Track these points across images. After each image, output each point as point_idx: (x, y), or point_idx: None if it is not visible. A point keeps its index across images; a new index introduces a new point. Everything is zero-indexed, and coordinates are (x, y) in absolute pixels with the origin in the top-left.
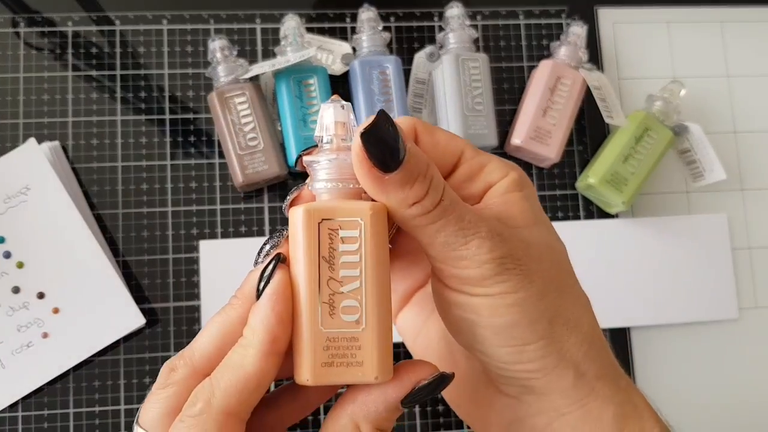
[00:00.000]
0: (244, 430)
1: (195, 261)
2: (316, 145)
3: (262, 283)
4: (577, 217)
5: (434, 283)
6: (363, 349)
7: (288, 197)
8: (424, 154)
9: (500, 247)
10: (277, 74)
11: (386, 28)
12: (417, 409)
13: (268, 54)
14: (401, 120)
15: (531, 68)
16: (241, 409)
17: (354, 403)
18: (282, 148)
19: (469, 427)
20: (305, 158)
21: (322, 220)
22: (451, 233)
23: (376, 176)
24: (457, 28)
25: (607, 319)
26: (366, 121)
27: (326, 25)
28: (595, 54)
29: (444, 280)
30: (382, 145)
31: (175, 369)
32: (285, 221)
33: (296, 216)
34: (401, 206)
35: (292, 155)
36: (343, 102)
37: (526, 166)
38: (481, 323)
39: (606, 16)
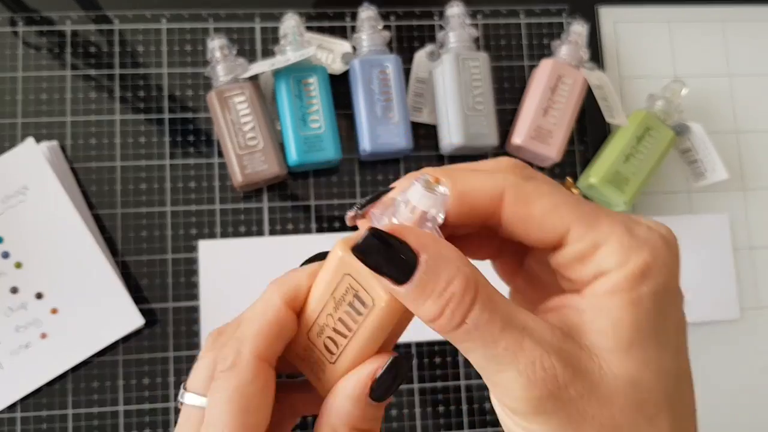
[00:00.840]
0: (274, 377)
1: (194, 261)
2: (379, 196)
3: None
4: None
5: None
6: (326, 374)
7: (362, 202)
8: (449, 264)
9: (540, 386)
10: (277, 73)
11: (386, 27)
12: (417, 409)
13: (268, 53)
14: (485, 180)
15: (532, 67)
16: (269, 353)
17: (329, 412)
18: (281, 147)
19: (470, 427)
20: (373, 211)
21: (348, 274)
22: (481, 358)
23: (390, 288)
24: (457, 27)
25: None
26: (357, 234)
27: (326, 24)
28: (596, 53)
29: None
30: (382, 259)
31: (221, 333)
32: (285, 221)
33: (335, 250)
34: (420, 317)
35: (292, 155)
36: (442, 189)
37: None
38: None
39: (607, 15)
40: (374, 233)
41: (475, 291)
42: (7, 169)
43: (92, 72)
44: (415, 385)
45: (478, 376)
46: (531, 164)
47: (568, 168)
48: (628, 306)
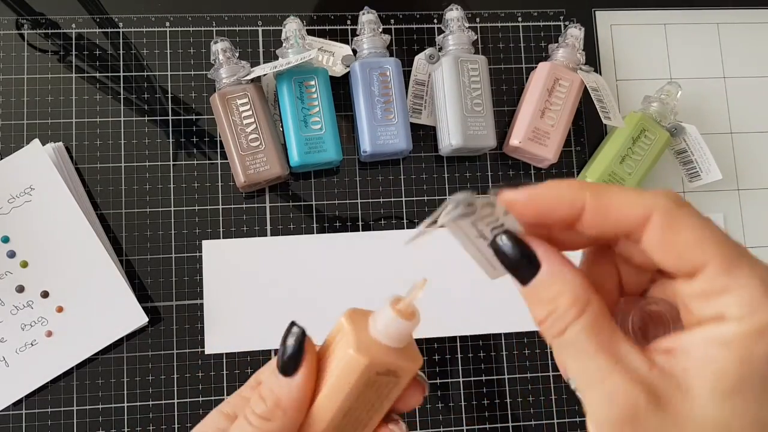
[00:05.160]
0: None
1: (197, 260)
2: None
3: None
4: None
5: None
6: None
7: (425, 223)
8: (563, 279)
9: (619, 410)
10: (279, 76)
11: (386, 30)
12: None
13: (270, 56)
14: (636, 197)
15: (529, 70)
16: None
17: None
18: (283, 148)
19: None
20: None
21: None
22: (576, 369)
23: (517, 286)
24: (456, 30)
25: None
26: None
27: (327, 27)
28: (592, 56)
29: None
30: (510, 260)
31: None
32: (286, 221)
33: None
34: (532, 317)
35: (294, 156)
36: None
37: (524, 167)
38: None
39: (603, 18)
40: (511, 236)
41: (581, 310)
42: (14, 169)
43: (97, 74)
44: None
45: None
46: (529, 165)
47: (566, 169)
48: (736, 360)
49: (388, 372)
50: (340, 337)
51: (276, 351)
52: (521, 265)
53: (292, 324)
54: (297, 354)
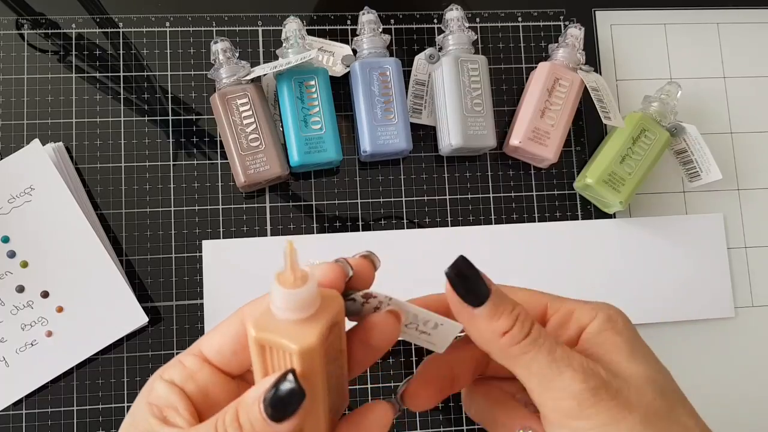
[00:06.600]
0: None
1: (197, 260)
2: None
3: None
4: (575, 217)
5: (542, 420)
6: None
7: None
8: (509, 298)
9: (593, 378)
10: (279, 76)
11: (386, 30)
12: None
13: (270, 56)
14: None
15: (529, 70)
16: None
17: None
18: (283, 148)
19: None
20: None
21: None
22: (544, 365)
23: (469, 312)
24: (456, 30)
25: None
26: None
27: (327, 27)
28: (592, 56)
29: (547, 415)
30: (467, 282)
31: None
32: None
33: (249, 332)
34: (494, 338)
35: (294, 155)
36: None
37: (524, 167)
38: None
39: (603, 18)
40: (462, 258)
41: (531, 320)
42: (14, 169)
43: (97, 74)
44: None
45: None
46: (529, 165)
47: (566, 169)
48: (614, 336)
49: (322, 340)
50: (268, 350)
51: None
52: (475, 288)
53: (289, 372)
54: (291, 407)
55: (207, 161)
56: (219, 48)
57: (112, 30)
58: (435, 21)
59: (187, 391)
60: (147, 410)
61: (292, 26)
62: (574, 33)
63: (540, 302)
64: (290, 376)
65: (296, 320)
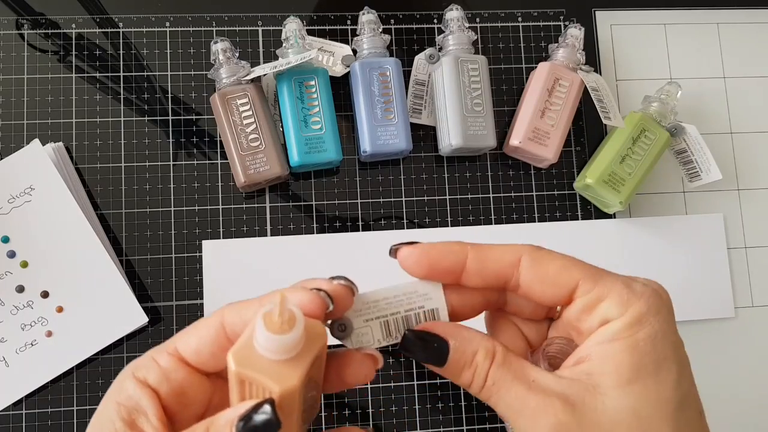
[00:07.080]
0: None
1: (197, 260)
2: None
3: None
4: (575, 217)
5: None
6: None
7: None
8: (470, 344)
9: (544, 424)
10: (279, 76)
11: (386, 31)
12: (418, 407)
13: (270, 56)
14: (504, 249)
15: (529, 70)
16: None
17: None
18: (283, 148)
19: (469, 424)
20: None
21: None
22: (503, 407)
23: (435, 369)
24: (456, 30)
25: None
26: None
27: (327, 27)
28: (592, 56)
29: None
30: (422, 354)
31: None
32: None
33: (229, 366)
34: (458, 384)
35: (294, 155)
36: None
37: (524, 167)
38: None
39: (603, 18)
40: (411, 333)
41: (492, 357)
42: (14, 169)
43: (97, 74)
44: (415, 383)
45: None
46: (529, 165)
47: (565, 169)
48: (627, 349)
49: (307, 380)
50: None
51: None
52: (433, 353)
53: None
54: None
55: (207, 161)
56: (219, 48)
57: (112, 30)
58: (435, 21)
59: (161, 392)
60: (115, 411)
61: (292, 26)
62: (574, 33)
63: (571, 279)
64: (267, 407)
65: (279, 360)
